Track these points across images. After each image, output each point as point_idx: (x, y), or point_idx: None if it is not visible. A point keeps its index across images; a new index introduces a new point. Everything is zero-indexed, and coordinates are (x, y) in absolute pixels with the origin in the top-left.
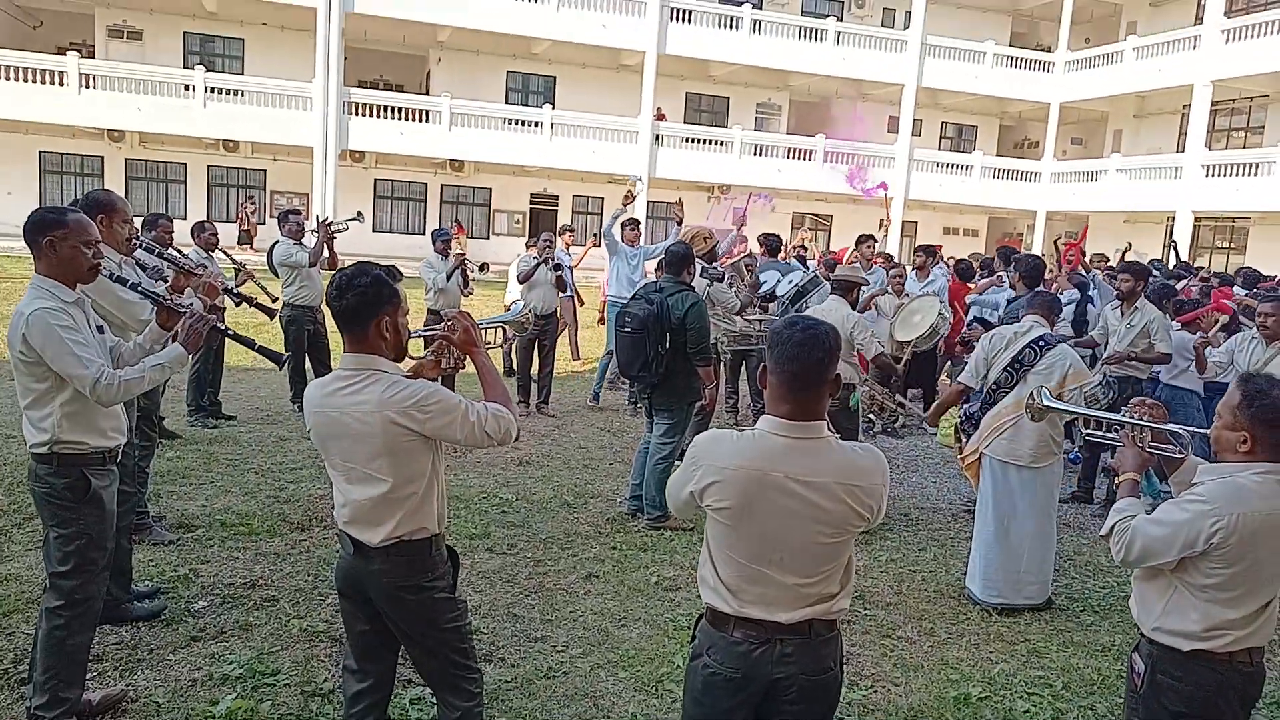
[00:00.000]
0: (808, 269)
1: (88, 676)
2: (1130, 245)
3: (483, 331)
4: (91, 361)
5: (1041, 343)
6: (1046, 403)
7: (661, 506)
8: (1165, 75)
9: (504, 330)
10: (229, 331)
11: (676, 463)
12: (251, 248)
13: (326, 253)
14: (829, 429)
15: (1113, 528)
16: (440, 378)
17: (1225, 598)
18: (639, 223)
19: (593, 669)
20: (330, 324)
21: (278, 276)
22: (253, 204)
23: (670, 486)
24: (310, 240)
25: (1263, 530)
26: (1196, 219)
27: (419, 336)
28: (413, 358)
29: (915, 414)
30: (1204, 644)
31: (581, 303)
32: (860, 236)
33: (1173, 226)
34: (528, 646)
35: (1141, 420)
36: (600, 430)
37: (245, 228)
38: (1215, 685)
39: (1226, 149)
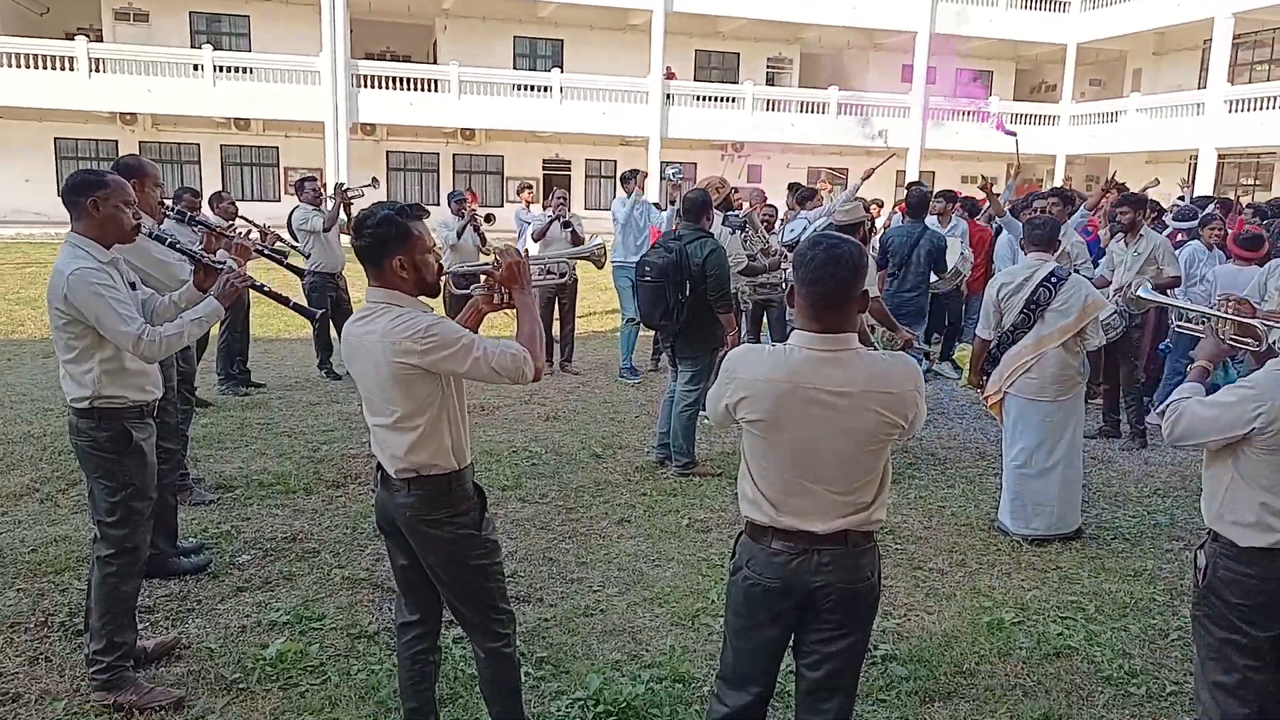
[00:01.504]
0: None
1: (141, 626)
2: (1158, 181)
3: (537, 269)
4: (133, 319)
5: (1054, 279)
6: (1143, 294)
7: (689, 454)
8: (1185, 9)
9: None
10: (264, 288)
11: (702, 411)
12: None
13: (344, 217)
14: (859, 341)
15: (1167, 406)
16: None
17: (1276, 486)
18: (637, 171)
19: (629, 606)
20: (352, 288)
21: (297, 242)
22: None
23: (709, 400)
24: (329, 207)
25: None
26: (1220, 156)
27: (454, 274)
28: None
29: (924, 349)
30: (1262, 539)
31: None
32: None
33: (1195, 165)
34: (565, 587)
35: (1227, 315)
36: (624, 385)
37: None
38: (1276, 575)
39: (1250, 83)
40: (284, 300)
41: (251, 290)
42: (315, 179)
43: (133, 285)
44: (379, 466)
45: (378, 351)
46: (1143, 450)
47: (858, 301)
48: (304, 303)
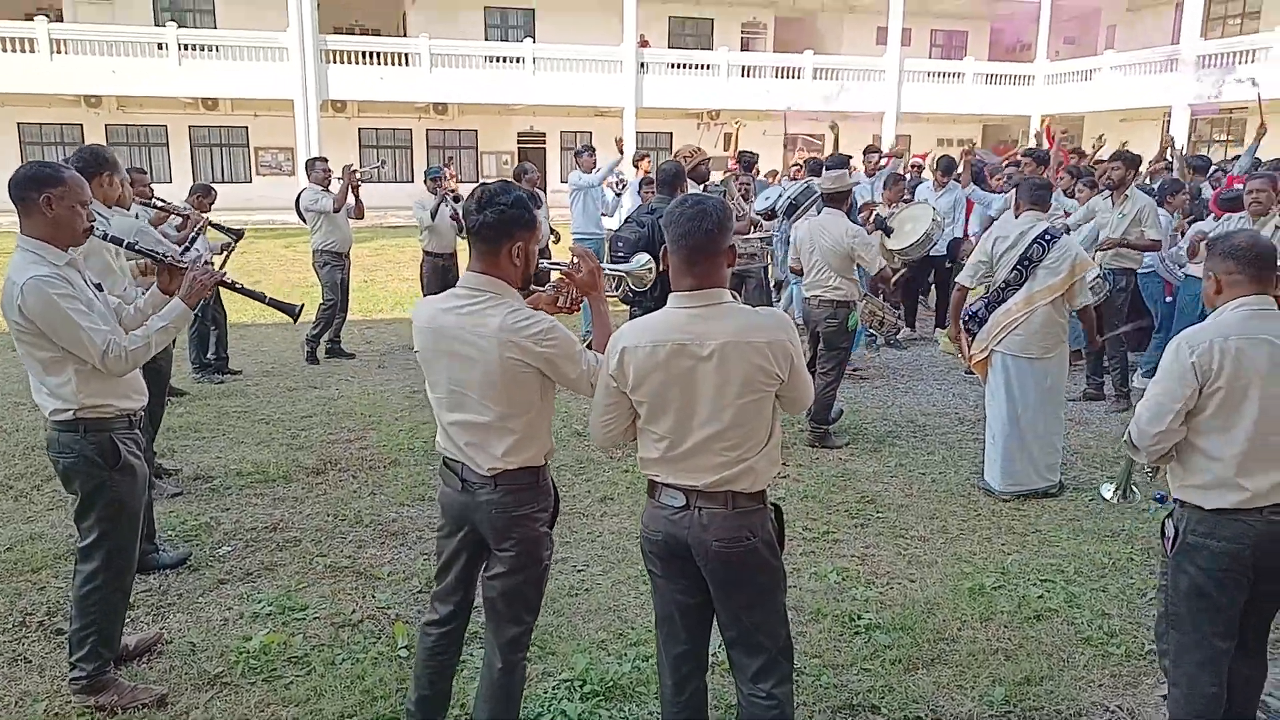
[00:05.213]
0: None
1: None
2: (1104, 138)
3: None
4: (98, 331)
5: (1047, 237)
6: (891, 246)
7: None
8: None
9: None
10: (237, 285)
11: None
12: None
13: (352, 200)
14: (731, 297)
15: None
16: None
17: (1218, 436)
18: (594, 150)
19: (614, 585)
20: (354, 272)
21: (305, 223)
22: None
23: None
24: (335, 188)
25: (1238, 357)
26: (1194, 113)
27: (547, 268)
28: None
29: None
30: (1225, 501)
31: (557, 239)
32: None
33: (1169, 122)
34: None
35: None
36: None
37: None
38: (1243, 536)
39: (1223, 36)
40: (259, 297)
41: (223, 288)
42: (325, 160)
43: (99, 286)
44: (446, 462)
45: (490, 347)
46: (1124, 413)
47: (725, 255)
48: (282, 298)
